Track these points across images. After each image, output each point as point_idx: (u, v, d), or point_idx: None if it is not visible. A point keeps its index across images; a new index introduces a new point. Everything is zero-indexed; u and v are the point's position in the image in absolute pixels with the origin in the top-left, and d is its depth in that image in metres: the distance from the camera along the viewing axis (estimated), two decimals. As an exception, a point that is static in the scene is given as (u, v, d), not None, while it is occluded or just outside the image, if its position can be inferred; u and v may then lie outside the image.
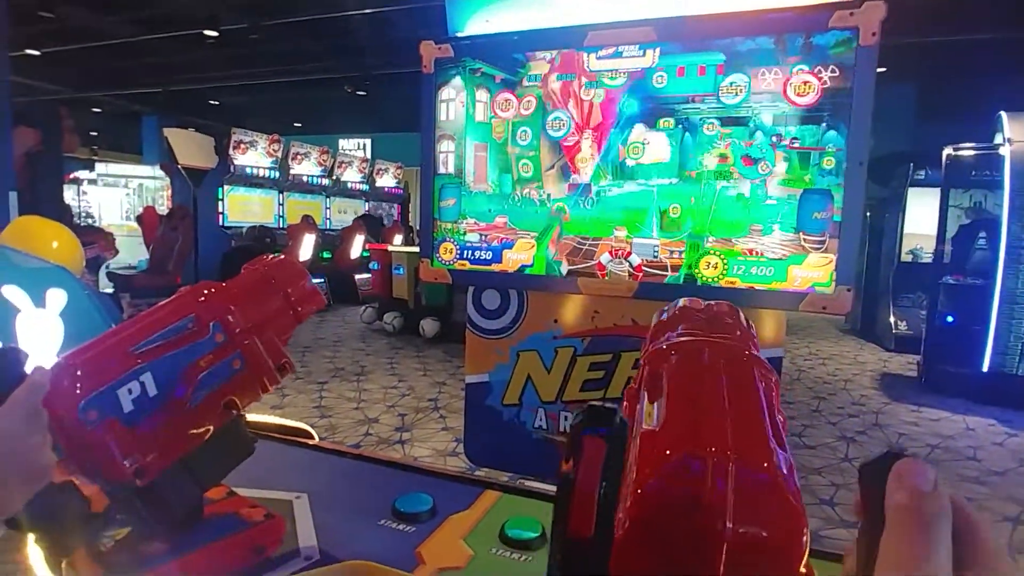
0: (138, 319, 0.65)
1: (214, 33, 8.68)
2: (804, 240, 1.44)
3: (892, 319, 6.57)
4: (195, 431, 0.63)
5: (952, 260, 5.06)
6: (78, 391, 0.56)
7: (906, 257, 6.87)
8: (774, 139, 1.46)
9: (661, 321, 0.54)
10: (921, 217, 6.45)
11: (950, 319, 4.94)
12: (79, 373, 0.57)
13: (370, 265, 7.10)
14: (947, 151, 5.05)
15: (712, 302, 0.57)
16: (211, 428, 0.64)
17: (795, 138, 1.44)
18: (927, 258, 6.50)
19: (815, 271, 1.45)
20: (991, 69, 7.19)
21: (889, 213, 7.02)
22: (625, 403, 0.48)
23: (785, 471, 0.36)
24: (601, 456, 0.31)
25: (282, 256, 0.80)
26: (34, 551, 0.74)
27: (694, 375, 0.44)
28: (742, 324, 0.54)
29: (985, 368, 4.73)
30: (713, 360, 0.46)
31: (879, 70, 1.35)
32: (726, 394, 0.42)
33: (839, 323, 8.19)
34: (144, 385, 0.59)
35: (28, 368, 0.54)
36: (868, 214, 7.26)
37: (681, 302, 0.57)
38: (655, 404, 0.43)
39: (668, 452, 0.36)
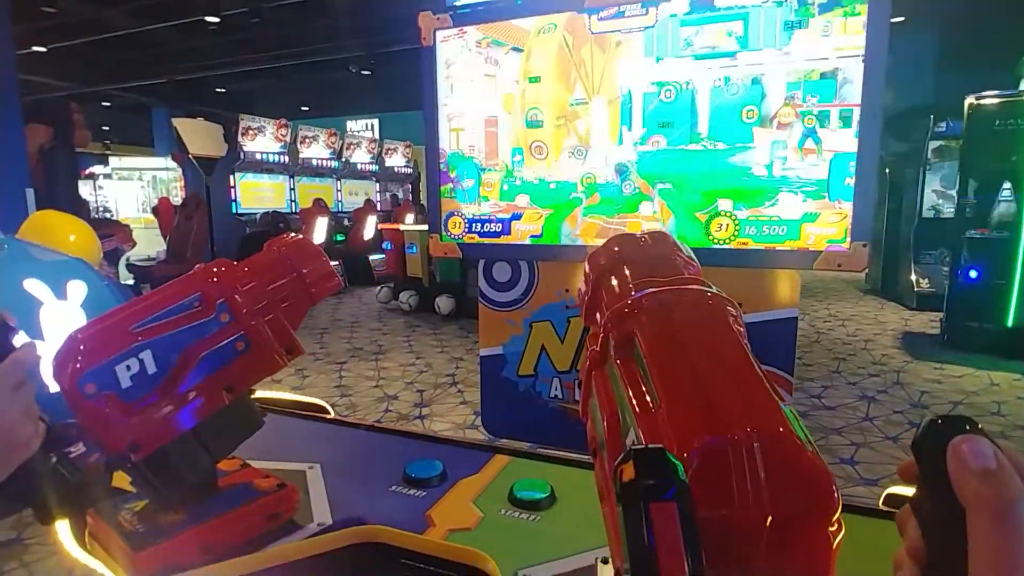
0: (147, 296, 0.66)
1: (215, 19, 8.64)
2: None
3: (914, 277, 6.44)
4: (194, 411, 0.63)
5: (975, 214, 4.92)
6: (79, 364, 0.57)
7: (928, 213, 6.70)
8: (792, 98, 1.41)
9: (600, 265, 0.52)
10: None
11: (974, 274, 4.83)
12: (82, 347, 0.58)
13: (383, 245, 7.12)
14: (969, 100, 4.88)
15: (646, 233, 0.54)
16: (211, 409, 0.64)
17: (813, 95, 1.39)
18: (949, 213, 6.33)
19: (830, 228, 1.41)
20: (1015, 14, 6.88)
21: (910, 168, 6.83)
22: (588, 363, 0.46)
23: (799, 431, 0.34)
24: (677, 525, 0.27)
25: (300, 236, 0.78)
26: (61, 527, 0.77)
27: (673, 340, 0.42)
28: (683, 254, 0.52)
29: (1009, 323, 4.64)
30: (685, 315, 0.44)
31: (898, 20, 1.30)
32: (714, 353, 0.40)
33: (859, 283, 8.06)
34: (143, 362, 0.60)
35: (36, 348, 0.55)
36: (888, 171, 7.07)
37: (614, 241, 0.54)
38: (640, 380, 0.41)
39: (685, 439, 0.34)
